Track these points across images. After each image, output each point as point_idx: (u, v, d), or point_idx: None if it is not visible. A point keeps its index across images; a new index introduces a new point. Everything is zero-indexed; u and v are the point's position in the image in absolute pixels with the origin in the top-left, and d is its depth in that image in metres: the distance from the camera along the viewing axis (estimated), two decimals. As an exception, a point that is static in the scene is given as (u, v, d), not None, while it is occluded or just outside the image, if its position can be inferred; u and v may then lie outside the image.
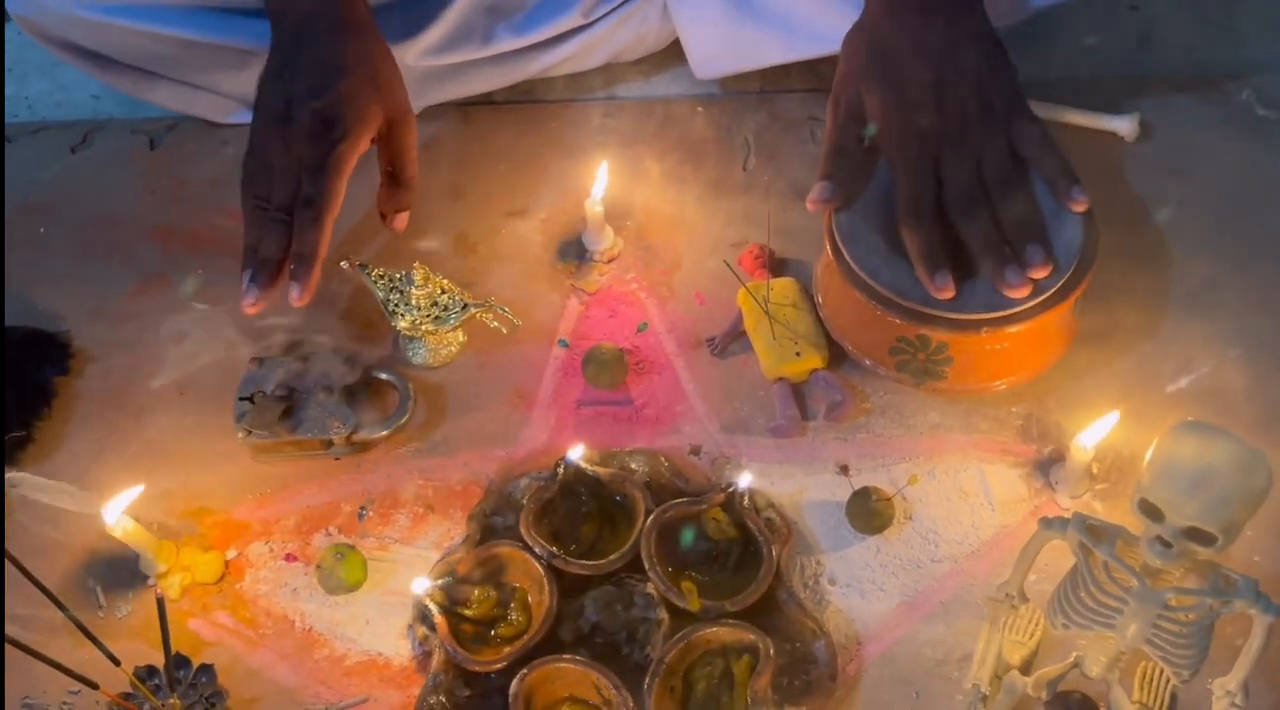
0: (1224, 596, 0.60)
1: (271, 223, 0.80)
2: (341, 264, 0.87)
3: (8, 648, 0.74)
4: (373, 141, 0.83)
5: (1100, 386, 0.85)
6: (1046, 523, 0.64)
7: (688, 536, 0.77)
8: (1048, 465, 0.82)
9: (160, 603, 0.63)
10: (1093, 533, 0.63)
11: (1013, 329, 0.78)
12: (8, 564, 0.63)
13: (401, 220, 0.87)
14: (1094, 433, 0.77)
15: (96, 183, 1.03)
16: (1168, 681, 0.71)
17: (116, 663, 0.73)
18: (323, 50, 0.80)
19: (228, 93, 1.01)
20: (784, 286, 0.89)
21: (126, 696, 0.72)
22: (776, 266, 0.93)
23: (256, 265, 0.80)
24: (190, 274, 0.94)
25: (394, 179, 0.85)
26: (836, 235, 0.82)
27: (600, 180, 0.92)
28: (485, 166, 1.02)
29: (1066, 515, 0.65)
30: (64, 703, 0.76)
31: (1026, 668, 0.73)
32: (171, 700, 0.72)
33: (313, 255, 0.79)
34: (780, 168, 1.00)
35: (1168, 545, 0.58)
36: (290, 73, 0.81)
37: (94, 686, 0.69)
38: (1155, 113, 1.00)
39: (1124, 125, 0.99)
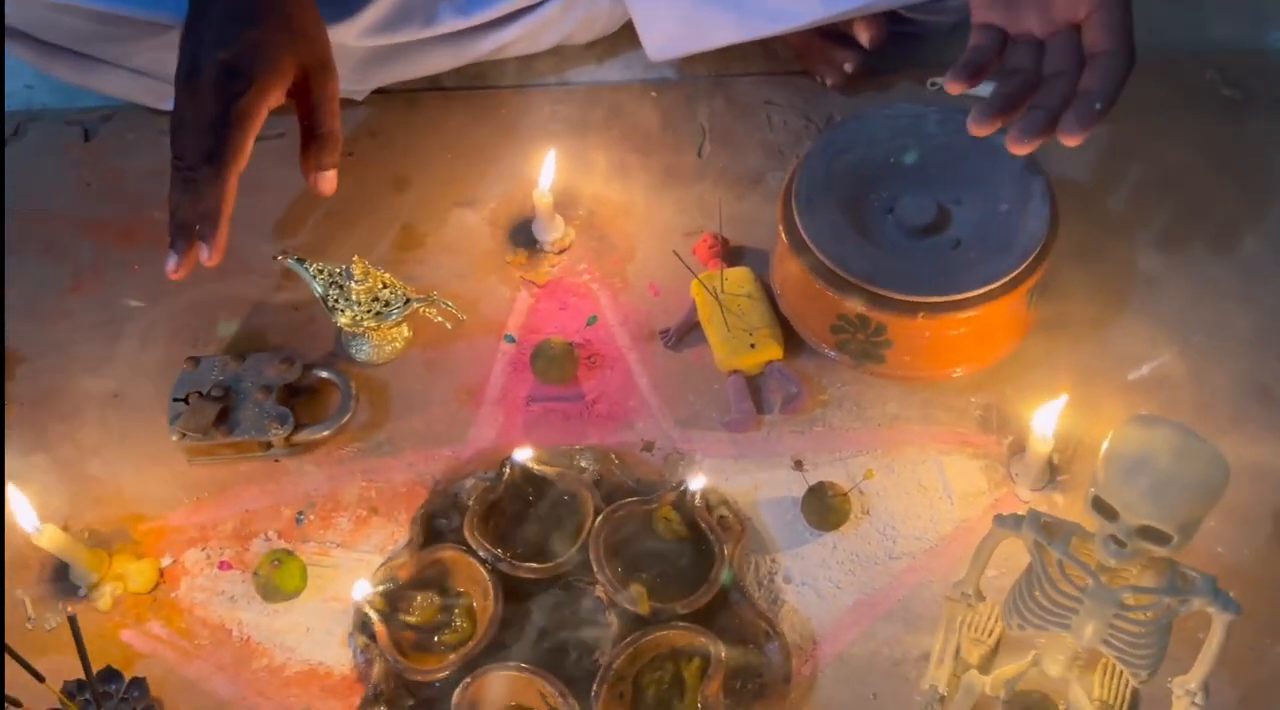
0: (1182, 595, 0.58)
1: (184, 183, 0.75)
2: (278, 257, 0.84)
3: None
4: (290, 95, 0.77)
5: (1060, 375, 0.83)
6: (1000, 520, 0.62)
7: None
8: (1008, 457, 0.80)
9: (73, 622, 0.60)
10: (1047, 530, 0.61)
11: (954, 315, 0.76)
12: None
13: (327, 180, 0.79)
14: (1044, 417, 0.75)
15: (29, 176, 0.99)
16: (1128, 679, 0.70)
17: (41, 680, 0.70)
18: (235, 1, 0.76)
19: (162, 76, 0.97)
20: (739, 276, 0.87)
21: (53, 714, 0.69)
22: (731, 256, 0.91)
23: (173, 229, 0.76)
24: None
25: (313, 134, 0.78)
26: (794, 204, 0.79)
27: (547, 169, 0.89)
28: (432, 155, 0.99)
29: (1022, 511, 0.63)
30: (-10, 719, 0.73)
31: (985, 666, 0.71)
32: (101, 716, 0.69)
33: (216, 212, 0.74)
34: (735, 154, 0.98)
35: (1122, 544, 0.56)
36: (201, 25, 0.76)
37: (17, 705, 0.66)
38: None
39: (1086, 107, 0.97)
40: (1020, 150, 0.69)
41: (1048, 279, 0.79)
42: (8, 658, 0.66)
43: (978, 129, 0.70)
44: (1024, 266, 0.77)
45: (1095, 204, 0.92)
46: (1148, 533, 0.55)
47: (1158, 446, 0.54)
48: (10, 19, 0.91)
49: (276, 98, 0.75)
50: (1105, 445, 0.57)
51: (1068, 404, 0.75)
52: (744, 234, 0.92)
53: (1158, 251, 0.90)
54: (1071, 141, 0.69)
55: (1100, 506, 0.56)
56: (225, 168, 0.73)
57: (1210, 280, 0.88)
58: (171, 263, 0.76)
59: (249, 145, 0.74)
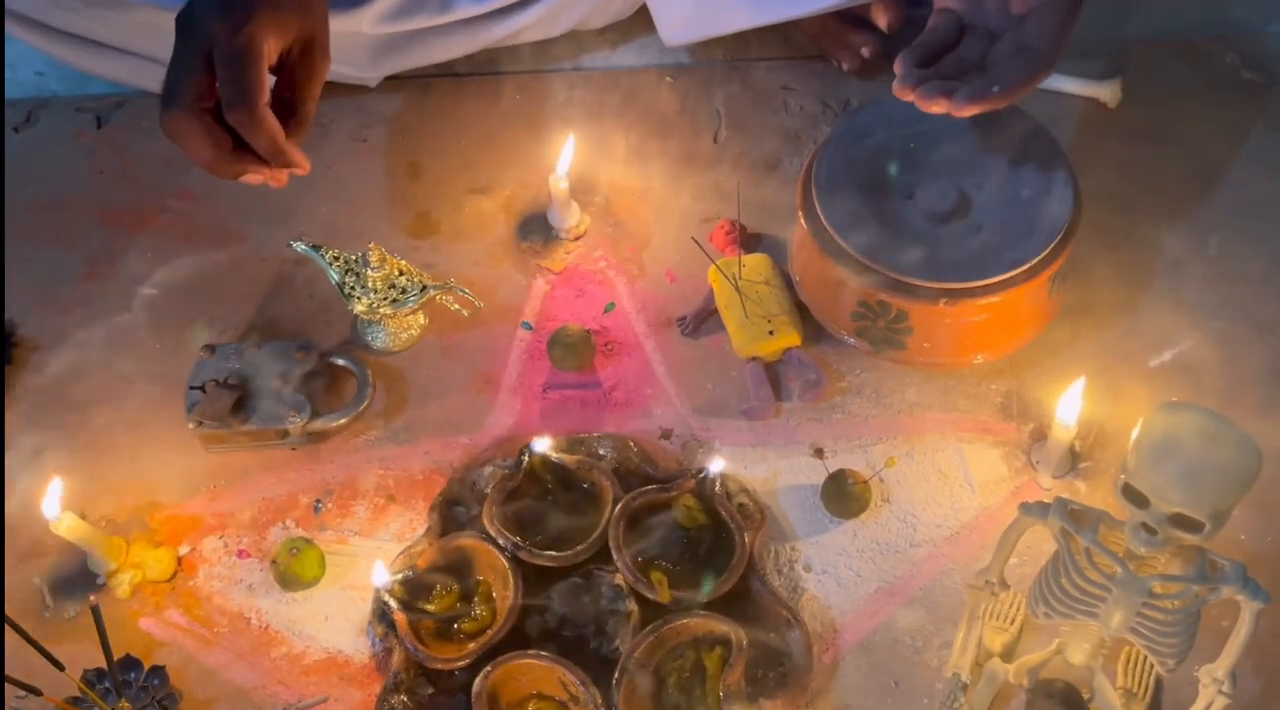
0: (1211, 583, 0.57)
1: (181, 121, 0.71)
2: (294, 245, 0.83)
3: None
4: (277, 65, 0.73)
5: (1081, 361, 0.83)
6: (1027, 508, 0.62)
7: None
8: (1029, 445, 0.80)
9: (95, 611, 0.59)
10: (1074, 518, 0.60)
11: (976, 301, 0.76)
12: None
13: (305, 159, 0.74)
14: (1067, 403, 0.74)
15: (42, 163, 0.98)
16: (1152, 667, 0.69)
17: (61, 668, 0.70)
18: None
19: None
20: (757, 263, 0.86)
21: (75, 701, 0.69)
22: (749, 242, 0.90)
23: (214, 171, 0.72)
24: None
25: (290, 113, 0.74)
26: (814, 190, 0.79)
27: (565, 155, 0.88)
28: (447, 142, 0.98)
29: (1047, 498, 0.63)
30: (11, 708, 0.73)
31: (1008, 655, 0.71)
32: (121, 704, 0.69)
33: (275, 148, 0.71)
34: (752, 139, 0.97)
35: (1153, 532, 0.56)
36: None
37: (37, 694, 0.66)
38: (1138, 78, 0.97)
39: (1106, 91, 0.96)
40: (933, 107, 0.70)
41: (1070, 264, 0.79)
42: (27, 645, 0.66)
43: (901, 91, 0.71)
44: (1046, 252, 0.76)
45: (1117, 188, 0.91)
46: (1179, 520, 0.54)
47: (1188, 432, 0.53)
48: (16, 5, 0.90)
49: (274, 43, 0.71)
50: (1135, 432, 0.56)
51: (1090, 391, 0.74)
52: (761, 220, 0.91)
53: (1181, 236, 0.89)
54: (959, 112, 0.69)
55: (1131, 494, 0.56)
56: (256, 106, 0.69)
57: (1235, 264, 0.88)
58: (256, 178, 0.73)
59: (265, 76, 0.70)
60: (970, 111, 0.69)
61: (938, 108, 0.70)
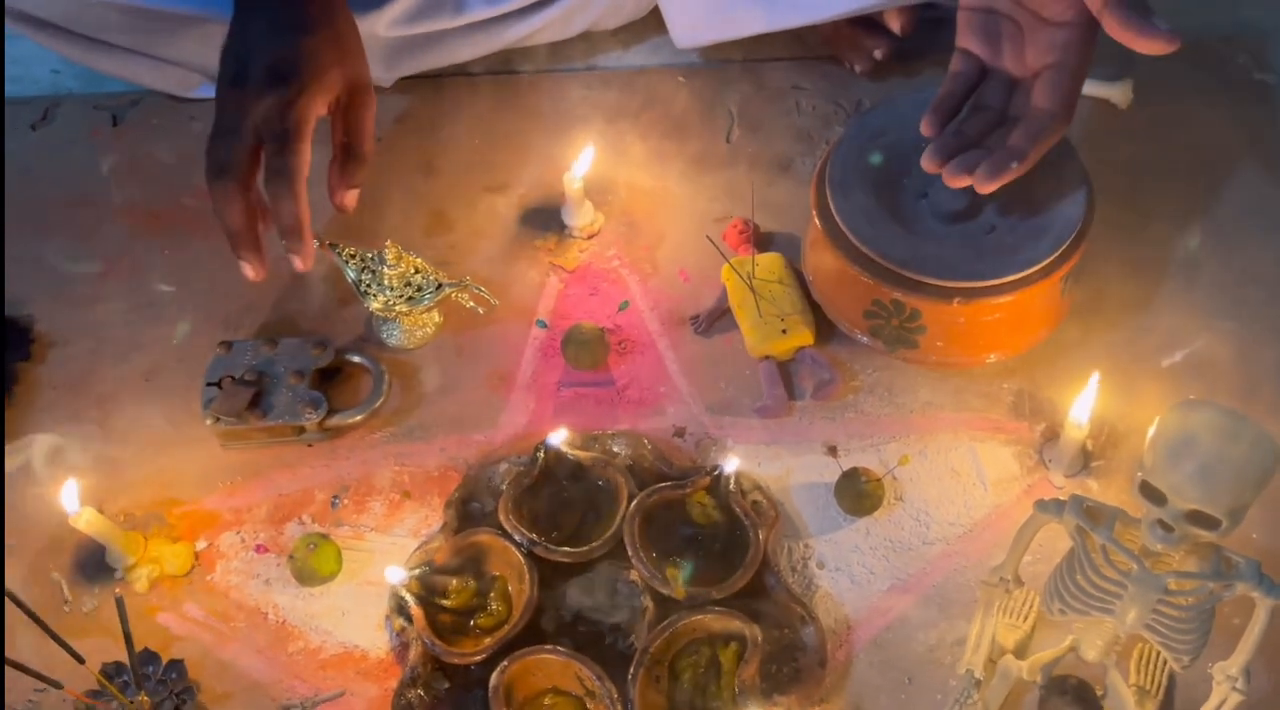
0: (1226, 579, 0.58)
1: (231, 193, 0.75)
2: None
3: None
4: (330, 110, 0.78)
5: (1093, 361, 0.82)
6: (1042, 505, 0.62)
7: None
8: (1041, 443, 0.80)
9: (120, 603, 0.60)
10: (1090, 515, 0.61)
11: (989, 302, 0.76)
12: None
13: (352, 197, 0.81)
14: (1081, 402, 0.74)
15: (58, 161, 0.99)
16: (1165, 664, 0.69)
17: (81, 661, 0.71)
18: (283, 12, 0.76)
19: (191, 65, 0.97)
20: (770, 262, 0.87)
21: (94, 694, 0.70)
22: (762, 241, 0.90)
23: (235, 242, 0.77)
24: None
25: (348, 153, 0.80)
26: (828, 189, 0.79)
27: (583, 160, 0.89)
28: (461, 141, 0.98)
29: (1062, 496, 0.63)
30: (30, 700, 0.73)
31: (1021, 651, 0.71)
32: (140, 697, 0.70)
33: (297, 225, 0.75)
34: (765, 140, 0.97)
35: (1169, 529, 0.56)
36: (248, 33, 0.76)
37: (58, 686, 0.67)
38: (1149, 79, 0.97)
39: (1117, 92, 0.97)
40: (958, 184, 0.73)
41: (1083, 264, 0.79)
42: (48, 639, 0.67)
43: (929, 165, 0.74)
44: (1060, 252, 0.77)
45: (1129, 188, 0.91)
46: (1196, 517, 0.55)
47: (1206, 429, 0.54)
48: (35, 10, 0.91)
49: (324, 108, 0.76)
50: (1152, 430, 0.57)
51: (1102, 390, 0.75)
52: (773, 219, 0.92)
53: (1193, 236, 0.90)
54: (982, 189, 0.72)
55: (1148, 491, 0.56)
56: (295, 181, 0.74)
57: (1247, 265, 0.88)
58: (250, 271, 0.77)
59: (309, 152, 0.75)
60: (992, 187, 0.72)
61: (963, 183, 0.72)
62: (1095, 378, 0.75)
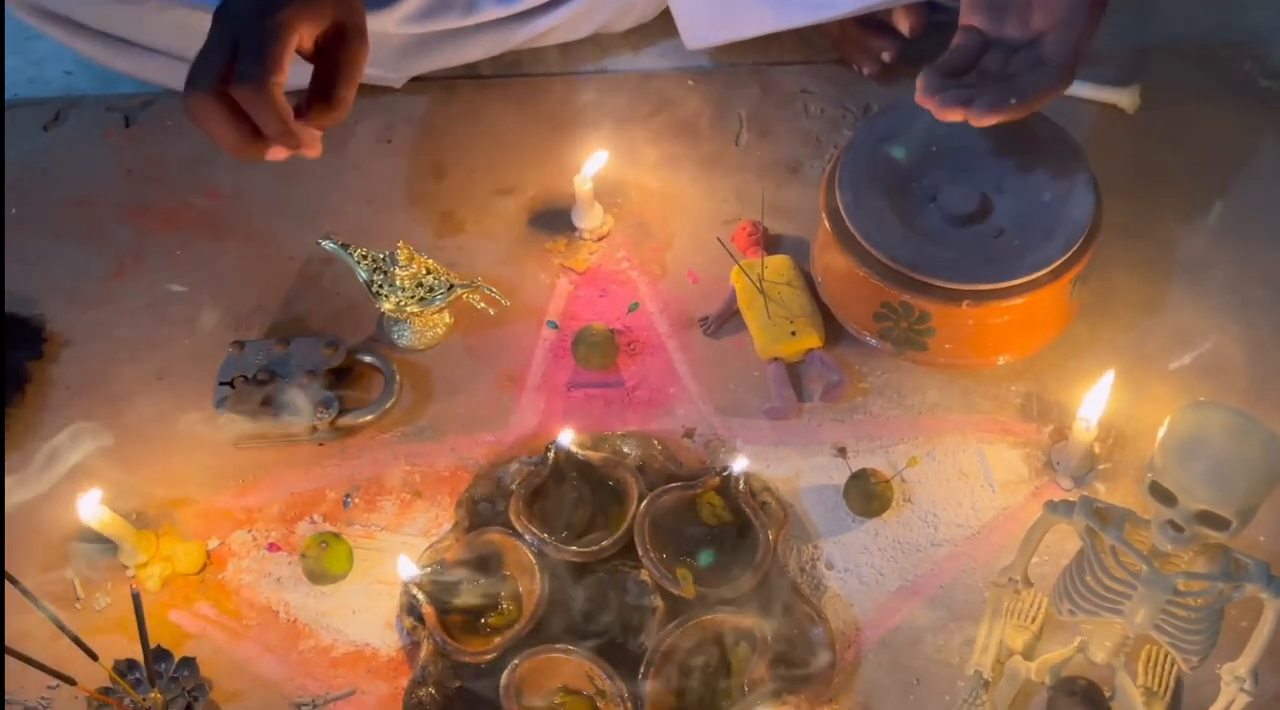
0: (1235, 581, 0.58)
1: (201, 100, 0.69)
2: (322, 243, 0.84)
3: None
4: (315, 44, 0.73)
5: (1101, 363, 0.82)
6: (1052, 507, 0.63)
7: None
8: (1049, 446, 0.81)
9: (136, 599, 0.60)
10: (1100, 516, 0.61)
11: (998, 304, 0.77)
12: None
13: (311, 137, 0.73)
14: (1093, 399, 0.75)
15: (70, 161, 1.00)
16: (1173, 665, 0.70)
17: (94, 658, 0.71)
18: None
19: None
20: (779, 264, 0.87)
21: (106, 691, 0.70)
22: (771, 244, 0.91)
23: (227, 148, 0.71)
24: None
25: (325, 95, 0.73)
26: (837, 191, 0.80)
27: (595, 162, 0.89)
28: (471, 143, 0.99)
29: (1072, 498, 0.63)
30: (42, 698, 0.74)
31: (1029, 653, 0.71)
32: (153, 694, 0.70)
33: (280, 128, 0.70)
34: (774, 143, 0.98)
35: (1179, 530, 0.56)
36: None
37: (71, 682, 0.67)
38: (1156, 84, 0.98)
39: (1125, 97, 0.97)
40: (951, 116, 0.72)
41: (1091, 267, 0.79)
42: (60, 636, 0.67)
43: (922, 97, 0.73)
44: (1068, 256, 0.77)
45: (1137, 192, 0.92)
46: (1206, 518, 0.55)
47: (1216, 430, 0.54)
48: (53, 4, 0.91)
49: (309, 32, 0.71)
50: (1162, 430, 0.57)
51: (1111, 392, 0.75)
52: (782, 222, 0.92)
53: (1200, 239, 0.90)
54: (977, 122, 0.71)
55: (1158, 492, 0.56)
56: (265, 83, 0.68)
57: (1255, 267, 0.88)
58: (267, 156, 0.72)
59: (286, 60, 0.70)
60: (988, 121, 0.71)
61: (955, 116, 0.72)
62: (1110, 375, 0.75)
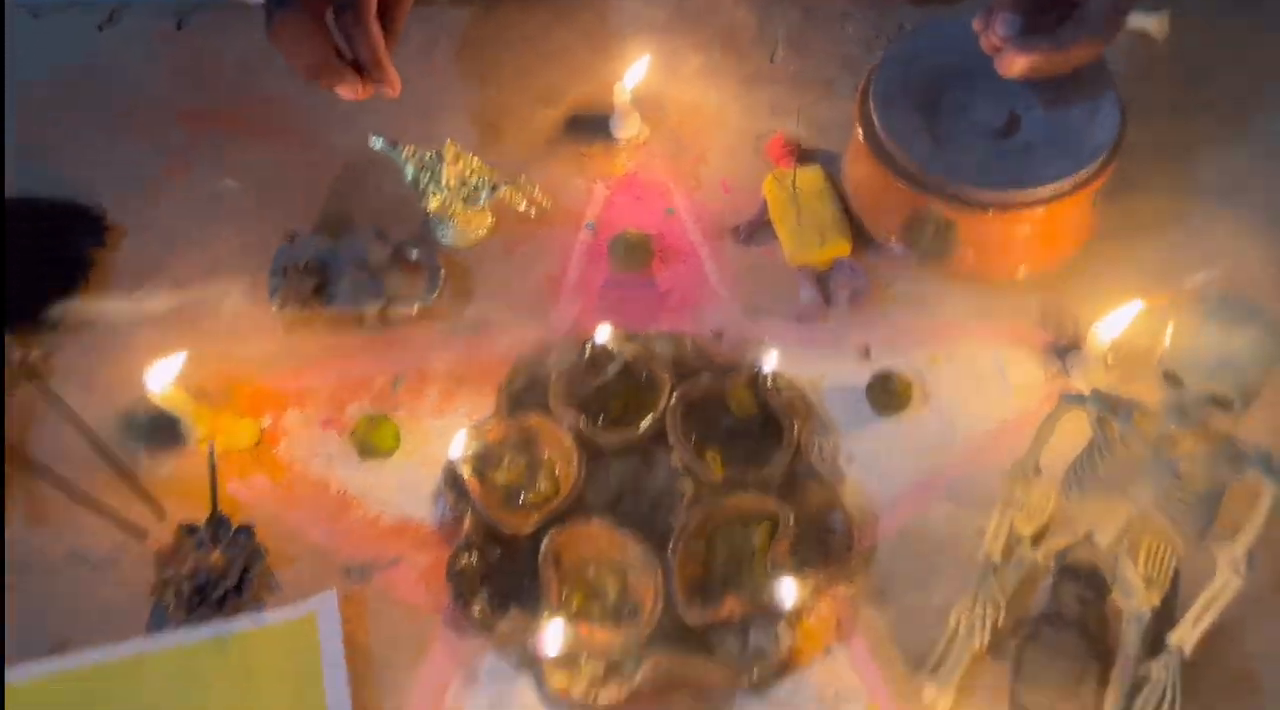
0: (1237, 464, 0.62)
1: (291, 23, 0.74)
2: (372, 139, 0.87)
3: (60, 500, 0.77)
4: None
5: (1120, 278, 0.86)
6: (1067, 397, 0.66)
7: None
8: (1064, 352, 0.84)
9: (211, 454, 0.65)
10: (1110, 405, 0.65)
11: (1021, 214, 0.80)
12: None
13: (397, 80, 0.78)
14: (1114, 322, 0.78)
15: (123, 62, 1.02)
16: (1171, 557, 0.74)
17: (161, 516, 0.76)
18: None
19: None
20: (811, 175, 0.90)
21: (172, 550, 0.75)
22: (804, 157, 0.94)
23: (311, 75, 0.76)
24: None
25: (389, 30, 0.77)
26: (871, 103, 0.82)
27: (637, 69, 0.92)
28: (513, 54, 1.01)
29: (1085, 393, 0.67)
30: (109, 556, 0.78)
31: (1037, 542, 0.75)
32: (215, 554, 0.75)
33: (375, 58, 0.74)
34: (809, 60, 1.00)
35: (1186, 412, 0.60)
36: None
37: (143, 536, 0.72)
38: (1185, 10, 0.99)
39: (1153, 23, 0.98)
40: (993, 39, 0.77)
41: (1114, 184, 0.82)
42: (124, 500, 0.72)
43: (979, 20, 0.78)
44: (1092, 169, 0.80)
45: (1169, 116, 0.93)
46: (1211, 399, 0.59)
47: (1220, 314, 0.58)
48: None
49: None
50: (1171, 323, 0.60)
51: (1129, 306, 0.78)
52: (814, 137, 0.95)
53: (1229, 160, 0.92)
54: (1007, 68, 0.77)
55: (1167, 376, 0.60)
56: (364, 10, 0.72)
57: (1273, 188, 0.90)
58: (347, 92, 0.76)
59: None
60: (1018, 65, 0.75)
61: (995, 42, 0.76)
62: (1137, 304, 0.78)
